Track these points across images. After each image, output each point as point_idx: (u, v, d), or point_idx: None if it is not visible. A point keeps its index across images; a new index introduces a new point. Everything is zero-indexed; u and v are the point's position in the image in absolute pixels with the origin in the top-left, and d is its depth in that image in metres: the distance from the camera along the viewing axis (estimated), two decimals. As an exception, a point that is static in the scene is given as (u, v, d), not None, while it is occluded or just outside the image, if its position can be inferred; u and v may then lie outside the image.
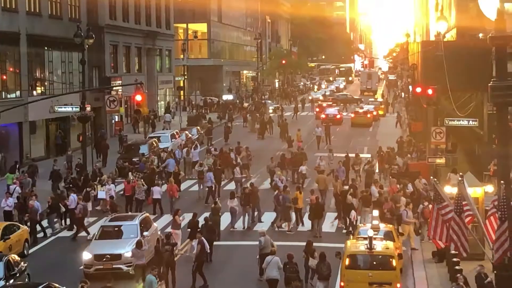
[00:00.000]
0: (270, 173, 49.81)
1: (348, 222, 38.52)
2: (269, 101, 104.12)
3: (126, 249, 31.67)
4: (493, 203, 23.00)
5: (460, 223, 21.98)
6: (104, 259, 31.37)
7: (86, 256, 31.66)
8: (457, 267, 27.69)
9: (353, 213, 37.62)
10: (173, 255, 30.90)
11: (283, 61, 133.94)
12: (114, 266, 31.25)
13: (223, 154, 53.63)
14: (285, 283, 28.05)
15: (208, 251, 31.56)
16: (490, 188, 34.82)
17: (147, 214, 35.74)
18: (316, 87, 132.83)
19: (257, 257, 30.94)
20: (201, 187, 47.58)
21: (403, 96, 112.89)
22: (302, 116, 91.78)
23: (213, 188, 46.32)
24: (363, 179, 48.51)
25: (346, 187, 41.70)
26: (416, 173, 45.16)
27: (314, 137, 67.80)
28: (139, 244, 30.80)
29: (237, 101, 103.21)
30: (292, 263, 28.32)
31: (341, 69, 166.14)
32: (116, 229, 33.66)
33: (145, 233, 32.97)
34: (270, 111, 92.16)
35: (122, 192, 45.05)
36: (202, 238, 30.86)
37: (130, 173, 47.64)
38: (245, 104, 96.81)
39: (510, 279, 21.55)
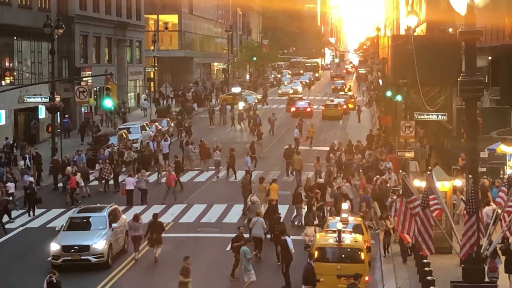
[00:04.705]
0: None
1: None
2: (250, 91, 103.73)
3: (94, 241, 31.47)
4: (462, 199, 23.11)
5: (425, 219, 21.98)
6: (72, 250, 31.17)
7: (54, 247, 31.35)
8: (424, 261, 27.88)
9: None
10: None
11: (254, 58, 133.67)
12: (82, 257, 31.09)
13: (203, 145, 53.64)
14: (273, 240, 32.12)
15: (293, 251, 29.71)
16: (458, 182, 35.10)
17: (116, 206, 35.45)
18: (285, 81, 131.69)
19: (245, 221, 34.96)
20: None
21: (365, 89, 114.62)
22: (273, 108, 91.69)
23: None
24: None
25: (321, 180, 41.71)
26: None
27: (284, 131, 67.98)
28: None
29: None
30: (280, 224, 32.08)
31: (306, 64, 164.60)
32: (84, 220, 33.38)
33: (113, 225, 32.75)
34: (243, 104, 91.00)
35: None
36: (285, 238, 29.93)
37: (97, 164, 47.70)
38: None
39: (478, 273, 21.68)
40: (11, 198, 41.24)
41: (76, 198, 43.47)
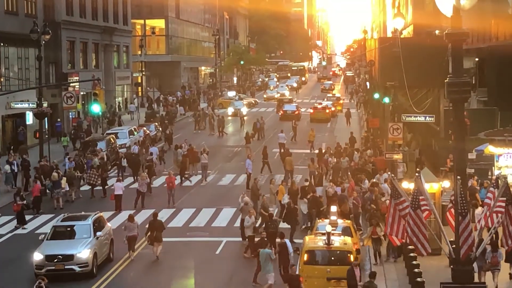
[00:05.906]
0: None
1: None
2: (245, 95, 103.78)
3: (78, 250, 30.73)
4: (450, 199, 23.10)
5: (417, 220, 21.95)
6: (56, 260, 30.47)
7: (37, 256, 30.58)
8: (414, 262, 27.90)
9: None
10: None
11: (241, 62, 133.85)
12: (66, 267, 30.44)
13: (191, 150, 53.60)
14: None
15: (292, 254, 29.60)
16: (446, 183, 35.12)
17: (101, 214, 34.70)
18: (271, 85, 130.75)
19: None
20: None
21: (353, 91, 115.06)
22: (261, 112, 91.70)
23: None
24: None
25: (307, 183, 41.73)
26: (375, 169, 45.52)
27: (272, 134, 68.02)
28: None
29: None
30: (272, 221, 33.48)
31: (293, 68, 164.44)
32: (68, 229, 32.50)
33: (98, 233, 32.04)
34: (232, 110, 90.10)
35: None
36: (284, 240, 29.93)
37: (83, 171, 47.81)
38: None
39: (467, 274, 21.71)
40: (25, 202, 40.66)
41: (59, 205, 43.39)
